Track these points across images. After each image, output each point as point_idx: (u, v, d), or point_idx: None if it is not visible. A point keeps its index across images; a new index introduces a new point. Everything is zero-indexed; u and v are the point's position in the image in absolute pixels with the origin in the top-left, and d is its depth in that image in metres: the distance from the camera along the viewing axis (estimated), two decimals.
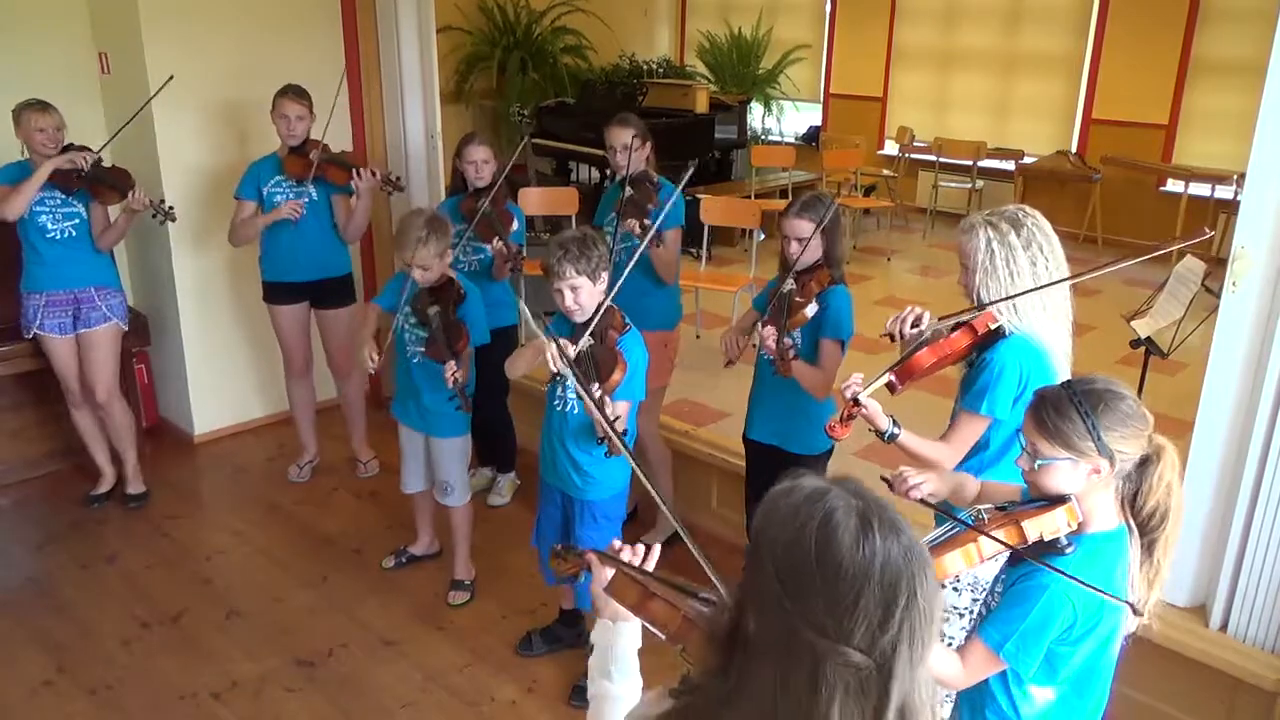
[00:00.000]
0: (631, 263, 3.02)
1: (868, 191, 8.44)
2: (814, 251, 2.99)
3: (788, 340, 2.90)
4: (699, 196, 6.09)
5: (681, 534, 1.62)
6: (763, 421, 3.20)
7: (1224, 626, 2.89)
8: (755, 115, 9.23)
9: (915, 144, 8.69)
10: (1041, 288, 2.30)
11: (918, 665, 1.01)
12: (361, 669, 3.32)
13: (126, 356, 4.31)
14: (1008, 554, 1.79)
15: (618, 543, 1.58)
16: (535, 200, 5.58)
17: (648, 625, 1.44)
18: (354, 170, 4.04)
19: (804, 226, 2.96)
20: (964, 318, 2.37)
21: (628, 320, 2.93)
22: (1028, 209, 2.38)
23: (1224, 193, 7.06)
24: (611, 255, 3.04)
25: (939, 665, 1.79)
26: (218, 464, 4.75)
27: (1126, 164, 7.61)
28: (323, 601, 3.68)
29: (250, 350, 4.89)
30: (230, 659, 3.35)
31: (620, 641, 1.51)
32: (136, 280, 4.83)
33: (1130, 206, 7.67)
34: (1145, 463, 1.74)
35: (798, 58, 9.50)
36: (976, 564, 1.76)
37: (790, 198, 3.51)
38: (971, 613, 2.43)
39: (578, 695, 3.17)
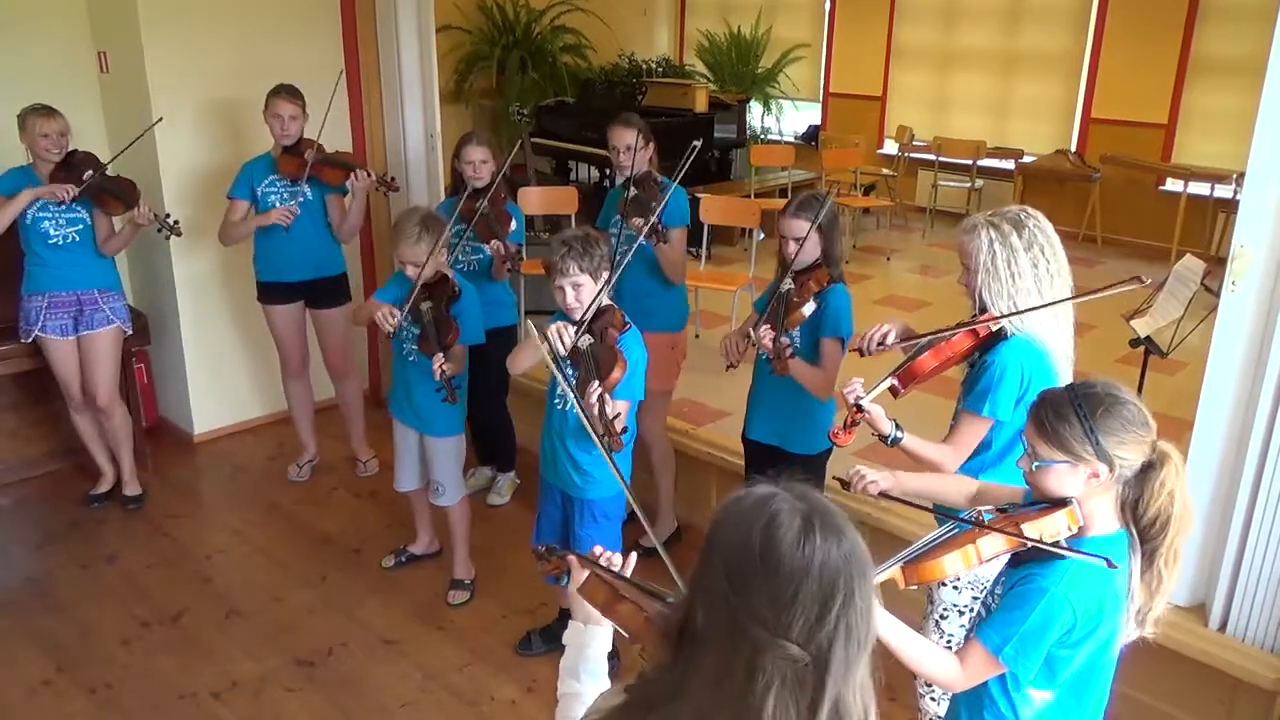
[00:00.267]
0: (629, 255, 3.01)
1: (867, 191, 8.44)
2: (812, 251, 2.99)
3: (784, 339, 2.90)
4: (699, 196, 6.09)
5: (643, 518, 1.64)
6: (762, 421, 3.20)
7: (1223, 626, 2.89)
8: (754, 114, 9.22)
9: (915, 143, 8.69)
10: (1045, 306, 2.31)
11: (854, 664, 1.07)
12: (361, 668, 3.32)
13: (126, 356, 4.31)
14: (1008, 555, 1.79)
15: (599, 549, 1.62)
16: (535, 200, 5.58)
17: (615, 626, 1.49)
18: (350, 170, 4.03)
19: (801, 226, 2.96)
20: (946, 335, 2.37)
21: (628, 319, 2.93)
22: (1030, 210, 2.39)
23: (1223, 192, 7.06)
24: (615, 256, 3.04)
25: (938, 667, 1.79)
26: (217, 463, 4.75)
27: (1126, 163, 7.61)
28: (322, 601, 3.68)
29: (249, 350, 4.89)
30: (230, 658, 3.35)
31: (592, 644, 1.55)
32: (136, 280, 4.83)
33: (1130, 206, 7.67)
34: (1148, 469, 1.73)
35: (797, 57, 9.49)
36: (975, 565, 1.75)
37: (790, 197, 3.51)
38: (971, 610, 2.44)
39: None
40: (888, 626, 1.70)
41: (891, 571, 1.74)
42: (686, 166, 3.50)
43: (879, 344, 2.53)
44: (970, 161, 8.12)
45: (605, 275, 2.88)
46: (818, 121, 9.68)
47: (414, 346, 3.35)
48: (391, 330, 3.28)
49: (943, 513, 1.90)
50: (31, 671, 3.28)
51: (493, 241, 3.81)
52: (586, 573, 1.56)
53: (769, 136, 9.40)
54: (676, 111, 7.66)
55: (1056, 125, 8.26)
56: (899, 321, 2.63)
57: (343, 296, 4.37)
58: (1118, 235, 7.63)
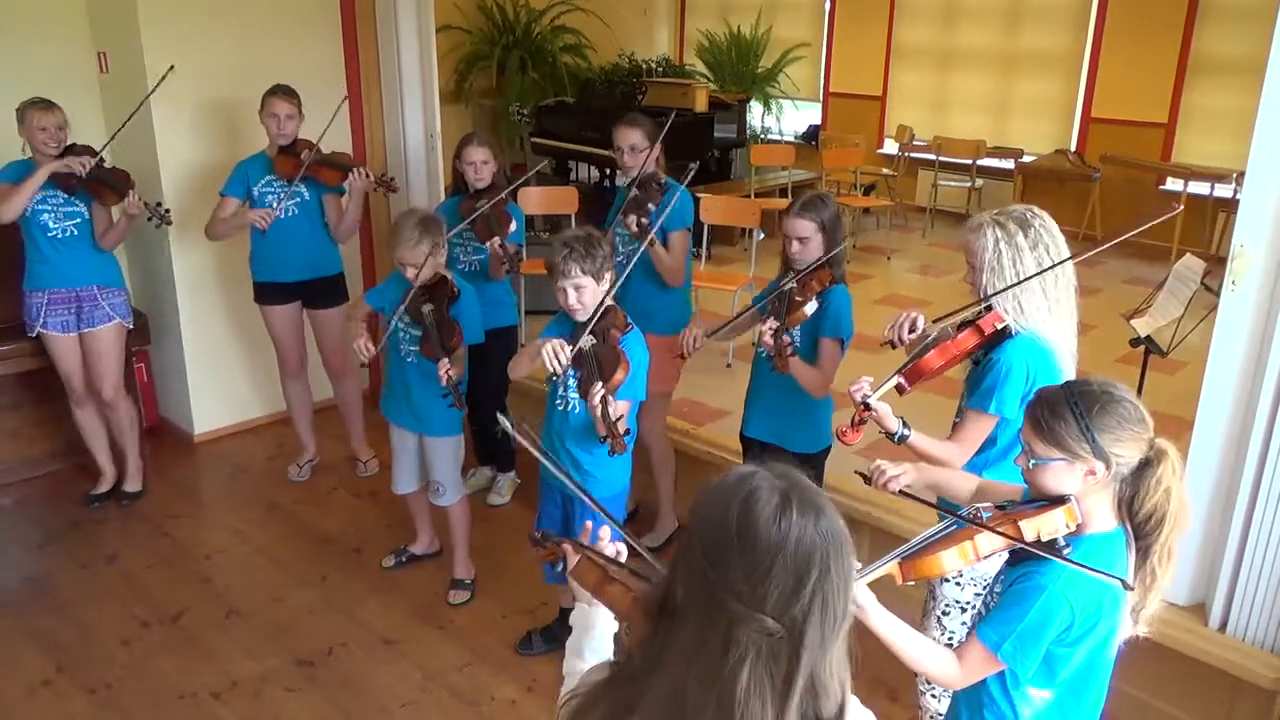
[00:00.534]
0: (631, 264, 3.02)
1: (867, 190, 8.43)
2: (815, 251, 2.99)
3: (786, 338, 2.90)
4: (699, 196, 6.09)
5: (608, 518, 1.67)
6: (760, 419, 3.21)
7: (1223, 625, 2.89)
8: (755, 114, 9.22)
9: (915, 143, 8.69)
10: (1042, 272, 2.31)
11: (829, 640, 1.08)
12: (361, 668, 3.32)
13: (127, 355, 4.31)
14: (1007, 552, 1.79)
15: (590, 524, 1.64)
16: (535, 200, 5.57)
17: (605, 606, 1.52)
18: (348, 170, 4.03)
19: (805, 225, 2.97)
20: (964, 315, 2.38)
21: (630, 320, 2.93)
22: (1036, 210, 2.39)
23: (1223, 191, 7.06)
24: (617, 256, 3.05)
25: (936, 664, 1.79)
26: (217, 463, 4.75)
27: (1126, 163, 7.61)
28: (322, 601, 3.68)
29: (249, 350, 4.89)
30: (230, 658, 3.35)
31: (596, 625, 1.56)
32: (136, 279, 4.82)
33: (1130, 205, 7.67)
34: (1145, 466, 1.73)
35: (797, 56, 9.49)
36: (972, 562, 1.76)
37: (790, 197, 3.52)
38: (973, 607, 2.44)
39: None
40: (886, 624, 1.71)
41: (890, 567, 1.74)
42: (691, 175, 3.49)
43: (910, 330, 2.50)
44: (970, 161, 8.12)
45: (608, 276, 2.88)
46: (818, 121, 9.68)
47: (414, 348, 3.35)
48: (364, 362, 3.32)
49: (944, 509, 1.90)
50: (32, 671, 3.28)
51: (492, 240, 3.80)
52: (579, 556, 1.59)
53: (769, 136, 9.40)
54: (677, 111, 7.65)
55: (1056, 125, 8.26)
56: (914, 309, 2.62)
57: (340, 297, 4.37)
58: (1118, 235, 7.62)
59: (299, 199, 4.09)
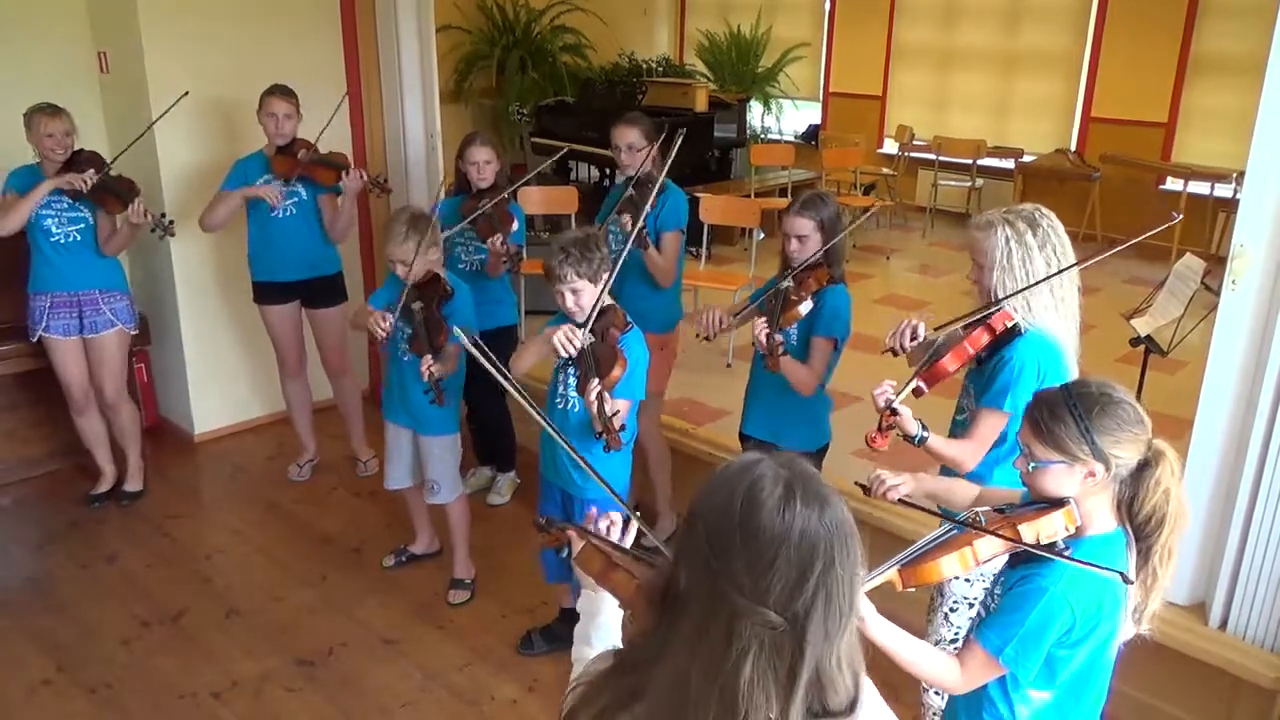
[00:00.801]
0: (617, 266, 3.00)
1: (867, 190, 8.44)
2: (814, 249, 2.99)
3: (778, 336, 2.90)
4: (699, 195, 6.09)
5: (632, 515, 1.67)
6: (758, 417, 3.22)
7: (1223, 624, 2.89)
8: (755, 114, 9.22)
9: (915, 142, 8.69)
10: (1061, 271, 2.33)
11: (834, 635, 1.06)
12: (361, 668, 3.32)
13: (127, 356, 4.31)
14: (1006, 556, 1.79)
15: (595, 511, 1.65)
16: (535, 199, 5.58)
17: (609, 593, 1.52)
18: (343, 170, 4.03)
19: (804, 224, 2.97)
20: (968, 320, 2.38)
21: (629, 319, 2.93)
22: (1043, 209, 2.41)
23: (1223, 191, 7.06)
24: (611, 254, 3.05)
25: (937, 670, 1.79)
26: (217, 463, 4.75)
27: (1126, 162, 7.61)
28: (322, 601, 3.68)
29: (250, 349, 4.89)
30: (230, 658, 3.35)
31: (603, 611, 1.56)
32: (136, 279, 4.81)
33: (1130, 205, 7.66)
34: (1143, 467, 1.73)
35: (797, 56, 9.49)
36: (972, 567, 1.75)
37: (790, 196, 3.52)
38: (982, 603, 2.44)
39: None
40: (885, 632, 1.70)
41: (889, 574, 1.74)
42: (673, 157, 3.48)
43: (912, 338, 2.51)
44: (970, 161, 8.12)
45: (605, 276, 2.88)
46: (818, 121, 9.68)
47: (406, 346, 3.36)
48: (384, 337, 3.29)
49: (939, 514, 1.90)
50: (32, 671, 3.28)
51: (493, 238, 3.79)
52: (583, 543, 1.59)
53: (769, 136, 9.40)
54: (677, 111, 7.66)
55: (1056, 124, 8.26)
56: (915, 316, 2.62)
57: (339, 296, 4.37)
58: (1118, 234, 7.57)
59: (297, 199, 4.09)
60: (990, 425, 2.39)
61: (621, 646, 1.21)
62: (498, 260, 3.85)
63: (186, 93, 4.12)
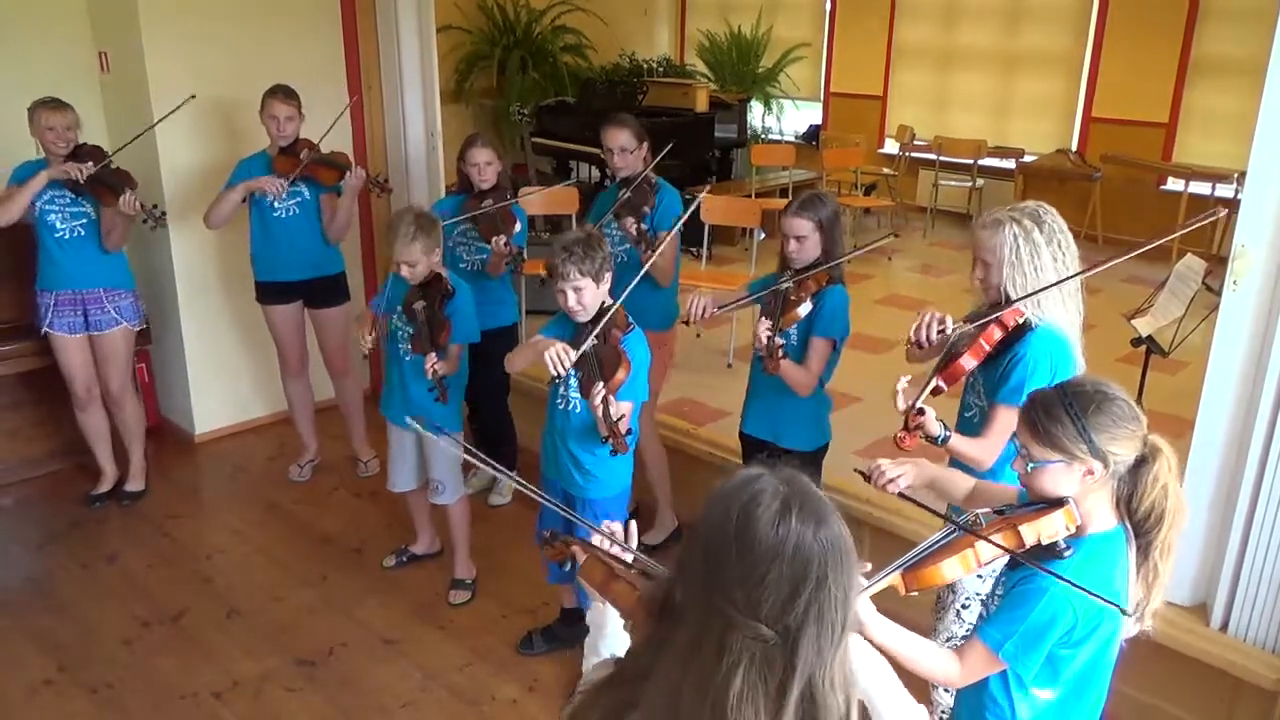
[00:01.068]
0: (638, 277, 3.02)
1: (868, 190, 8.43)
2: (814, 250, 2.99)
3: (779, 339, 2.90)
4: (698, 196, 6.09)
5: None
6: (758, 417, 3.22)
7: (1225, 626, 2.89)
8: (755, 114, 9.22)
9: (915, 142, 8.68)
10: (1069, 278, 2.35)
11: (827, 651, 1.06)
12: (362, 668, 3.32)
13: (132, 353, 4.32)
14: (1007, 556, 1.78)
15: (609, 525, 1.65)
16: (535, 199, 5.57)
17: (610, 604, 1.54)
18: (344, 170, 4.03)
19: (802, 224, 2.97)
20: (992, 316, 2.39)
21: (631, 320, 2.93)
22: (1046, 205, 2.43)
23: (1224, 191, 7.05)
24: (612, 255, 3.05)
25: (936, 665, 1.79)
26: (218, 463, 4.75)
27: (1126, 162, 7.60)
28: (323, 601, 3.68)
29: (250, 349, 4.89)
30: (231, 658, 3.35)
31: (611, 622, 1.57)
32: (137, 279, 4.81)
33: (1130, 205, 7.66)
34: (1140, 463, 1.74)
35: (798, 56, 9.49)
36: (974, 569, 1.76)
37: (790, 196, 3.52)
38: (983, 602, 2.44)
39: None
40: (885, 632, 1.70)
41: (892, 578, 1.74)
42: (656, 161, 3.49)
43: (939, 332, 2.50)
44: (971, 161, 8.11)
45: (607, 277, 2.88)
46: (818, 121, 9.68)
47: (408, 345, 3.36)
48: (365, 353, 3.30)
49: (940, 516, 1.90)
50: (33, 671, 3.28)
51: (496, 239, 3.79)
52: (586, 555, 1.61)
53: (770, 136, 9.40)
54: (677, 111, 7.66)
55: (1057, 124, 8.26)
56: (933, 309, 2.61)
57: (341, 296, 4.37)
58: (1119, 234, 7.62)
59: (299, 198, 4.09)
60: (1006, 421, 2.39)
61: (623, 656, 1.22)
62: (500, 260, 3.85)
63: (193, 96, 4.14)
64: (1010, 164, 8.19)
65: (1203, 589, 2.97)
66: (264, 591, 3.73)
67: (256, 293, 4.29)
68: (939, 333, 2.49)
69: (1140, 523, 1.77)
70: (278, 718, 3.11)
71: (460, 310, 3.37)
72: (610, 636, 1.56)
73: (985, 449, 2.39)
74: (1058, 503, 1.74)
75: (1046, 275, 2.34)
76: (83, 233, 3.94)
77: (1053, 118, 8.29)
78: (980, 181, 8.24)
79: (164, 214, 3.94)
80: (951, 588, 2.54)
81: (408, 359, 3.39)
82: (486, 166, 3.89)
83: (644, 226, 3.56)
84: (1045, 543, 1.71)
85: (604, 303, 2.87)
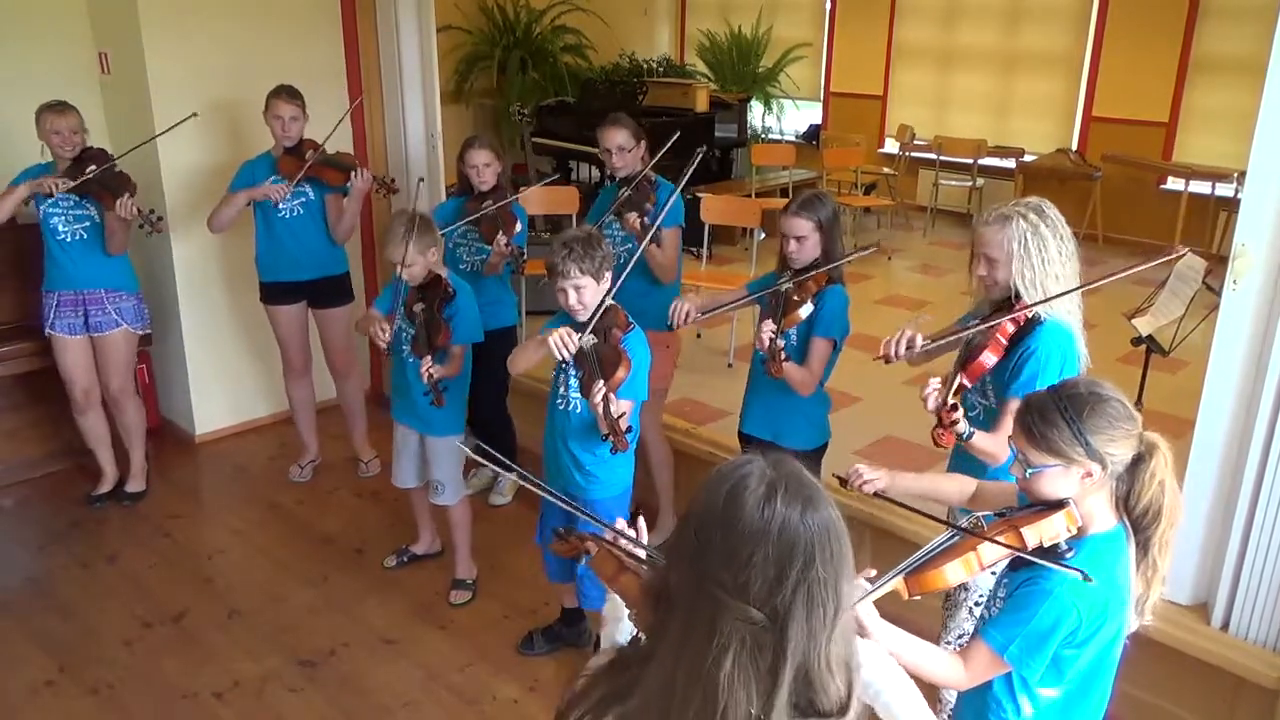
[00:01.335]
0: (631, 263, 3.02)
1: (868, 190, 8.43)
2: (813, 250, 2.99)
3: (780, 341, 2.91)
4: (699, 195, 6.09)
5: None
6: (757, 416, 3.22)
7: (1225, 625, 2.89)
8: (755, 114, 9.22)
9: (915, 142, 8.69)
10: (1082, 288, 2.41)
11: (820, 633, 1.06)
12: (363, 668, 3.32)
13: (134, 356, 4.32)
14: (1009, 558, 1.79)
15: (622, 522, 1.67)
16: (536, 199, 5.57)
17: (619, 595, 1.56)
18: (350, 171, 4.03)
19: (801, 224, 2.97)
20: (1012, 313, 2.40)
21: (631, 319, 2.93)
22: (1044, 200, 2.46)
23: (1224, 190, 7.06)
24: (614, 255, 3.05)
25: (940, 668, 1.79)
26: (219, 464, 4.75)
27: (1127, 162, 7.60)
28: (324, 601, 3.68)
29: (251, 350, 4.89)
30: (232, 658, 3.36)
31: (623, 615, 1.57)
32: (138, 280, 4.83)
33: (1131, 204, 7.67)
34: (1137, 461, 1.74)
35: (798, 56, 9.49)
36: (976, 573, 1.76)
37: (791, 196, 3.52)
38: (984, 605, 2.44)
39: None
40: (887, 636, 1.71)
41: (895, 583, 1.74)
42: (690, 172, 3.50)
43: (908, 348, 2.54)
44: (971, 160, 8.12)
45: (608, 275, 2.88)
46: (819, 121, 9.68)
47: (409, 347, 3.36)
48: (385, 346, 3.31)
49: (941, 520, 1.90)
50: (34, 672, 3.28)
51: (497, 239, 3.79)
52: (598, 548, 1.63)
53: (770, 136, 9.40)
54: (677, 111, 7.67)
55: (1057, 124, 8.26)
56: (910, 326, 2.64)
57: (346, 296, 4.38)
58: (1119, 234, 7.63)
59: (304, 199, 4.10)
60: None
61: (625, 644, 1.23)
62: (499, 260, 3.85)
63: (194, 114, 4.15)
64: (1010, 163, 8.19)
65: (1204, 588, 2.97)
66: (265, 592, 3.73)
67: (261, 293, 4.29)
68: (907, 349, 2.54)
69: (1138, 519, 1.77)
70: (279, 718, 3.11)
71: (461, 311, 3.37)
72: (625, 629, 1.57)
73: (1000, 444, 2.39)
74: (1058, 504, 1.74)
75: (1054, 268, 2.37)
76: (85, 235, 3.95)
77: (1053, 117, 8.29)
78: (980, 181, 8.24)
79: (160, 219, 3.94)
80: (964, 585, 2.54)
81: (410, 360, 3.39)
82: (485, 168, 3.89)
83: (647, 220, 3.56)
84: (1047, 544, 1.72)
85: (601, 301, 2.87)
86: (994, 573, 2.43)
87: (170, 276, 4.64)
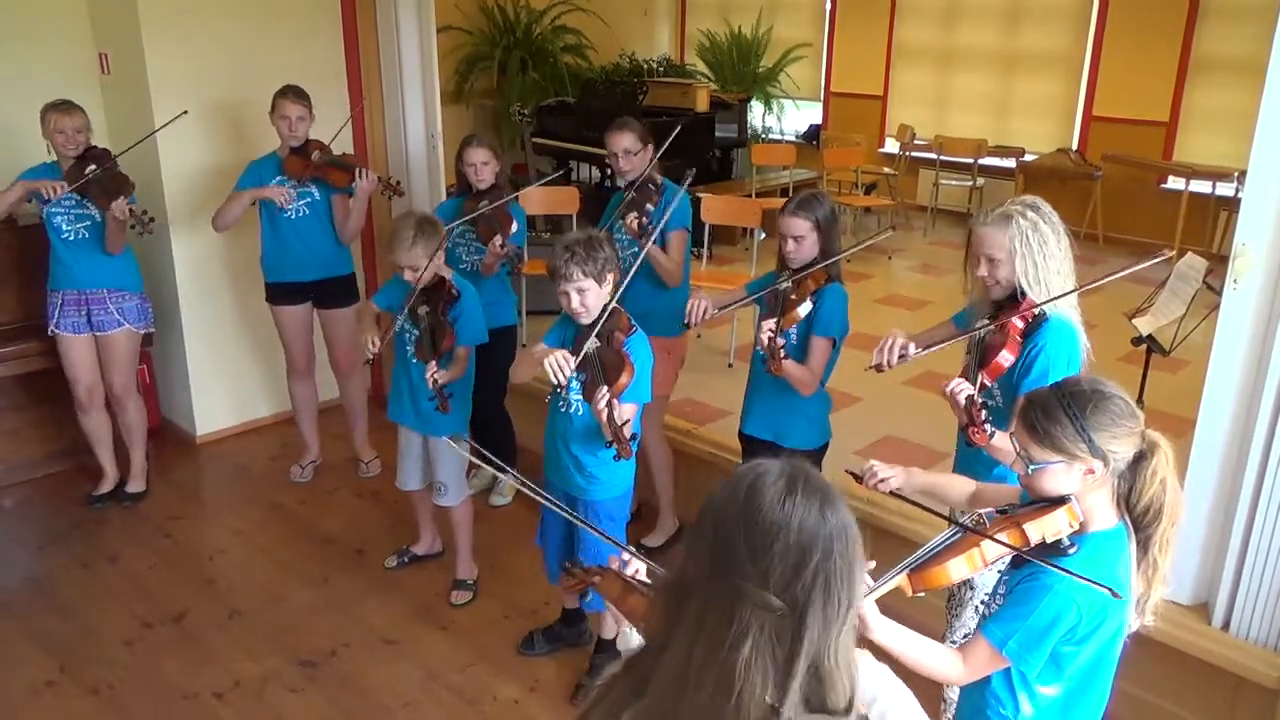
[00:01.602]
0: (635, 266, 3.02)
1: (868, 190, 8.43)
2: (811, 249, 2.99)
3: (780, 340, 2.91)
4: (699, 195, 6.09)
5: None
6: (758, 416, 3.22)
7: (1226, 625, 2.89)
8: (756, 114, 9.22)
9: (916, 142, 8.68)
10: (1087, 287, 2.43)
11: (834, 625, 1.08)
12: (363, 668, 3.32)
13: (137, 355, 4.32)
14: (1011, 555, 1.79)
15: (627, 555, 1.69)
16: (536, 199, 5.57)
17: (626, 616, 1.59)
18: (355, 171, 4.04)
19: (799, 224, 2.97)
20: (1005, 316, 2.42)
21: (634, 322, 2.92)
22: (1039, 199, 2.47)
23: (1225, 190, 7.06)
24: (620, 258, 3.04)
25: (939, 663, 1.80)
26: (219, 464, 4.76)
27: (1127, 161, 7.60)
28: (324, 601, 3.68)
29: (252, 350, 4.89)
30: (232, 659, 3.36)
31: (636, 640, 1.59)
32: None
33: (1131, 204, 7.67)
34: (1139, 459, 1.74)
35: (798, 56, 9.49)
36: (980, 569, 1.76)
37: (790, 196, 3.52)
38: (984, 603, 2.44)
39: (580, 694, 3.17)
40: (887, 632, 1.71)
41: (898, 580, 1.74)
42: (666, 146, 3.49)
43: (900, 356, 2.56)
44: (971, 160, 8.12)
45: (610, 277, 2.87)
46: (819, 121, 9.68)
47: (413, 350, 3.36)
48: (368, 359, 3.32)
49: (943, 517, 1.90)
50: (34, 672, 3.29)
51: (493, 240, 3.79)
52: (604, 576, 1.66)
53: (770, 136, 9.40)
54: (677, 111, 7.66)
55: (1057, 124, 8.26)
56: (899, 331, 2.65)
57: (352, 296, 4.38)
58: (1119, 234, 7.63)
59: (309, 199, 4.10)
60: None
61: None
62: (494, 261, 3.84)
63: (185, 112, 4.15)
64: (1011, 163, 8.19)
65: (1204, 588, 2.97)
66: (265, 592, 3.73)
67: (266, 293, 4.29)
68: (900, 357, 2.56)
69: (1140, 518, 1.78)
70: (279, 718, 3.11)
71: (465, 312, 3.37)
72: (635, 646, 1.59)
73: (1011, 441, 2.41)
74: (1060, 501, 1.74)
75: (1055, 264, 2.39)
76: (87, 235, 3.96)
77: (1053, 117, 8.29)
78: (981, 181, 8.24)
79: (151, 220, 3.93)
80: (969, 582, 2.54)
81: (414, 362, 3.39)
82: (483, 166, 3.88)
83: (646, 220, 3.55)
84: (1049, 540, 1.72)
85: (605, 304, 2.86)
86: (999, 570, 2.45)
87: (171, 276, 4.65)
